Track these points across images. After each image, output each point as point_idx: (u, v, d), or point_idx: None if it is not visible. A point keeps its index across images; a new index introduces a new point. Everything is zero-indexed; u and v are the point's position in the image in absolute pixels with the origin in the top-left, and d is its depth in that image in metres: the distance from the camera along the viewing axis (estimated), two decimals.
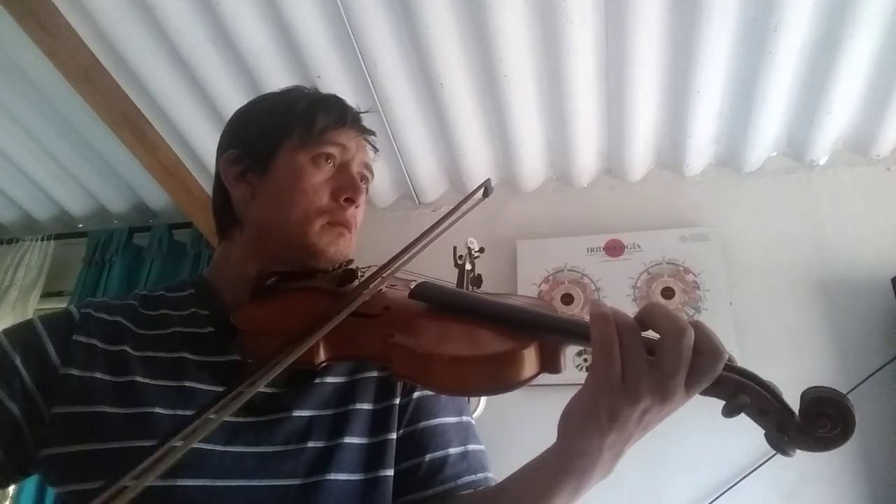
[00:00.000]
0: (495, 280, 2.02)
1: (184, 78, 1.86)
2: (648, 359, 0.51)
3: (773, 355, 1.76)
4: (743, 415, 0.52)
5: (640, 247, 1.99)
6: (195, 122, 2.01)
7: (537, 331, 0.58)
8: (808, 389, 0.51)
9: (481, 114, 1.94)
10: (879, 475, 1.59)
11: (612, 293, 1.94)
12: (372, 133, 0.87)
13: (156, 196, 2.45)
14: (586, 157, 2.07)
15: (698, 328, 0.51)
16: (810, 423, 0.50)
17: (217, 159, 0.84)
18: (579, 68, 1.73)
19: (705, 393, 0.53)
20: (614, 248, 2.01)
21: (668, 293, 1.89)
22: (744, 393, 0.51)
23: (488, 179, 0.85)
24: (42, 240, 2.62)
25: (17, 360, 0.66)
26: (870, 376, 1.66)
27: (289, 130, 0.79)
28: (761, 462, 1.63)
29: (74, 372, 0.66)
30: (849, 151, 1.96)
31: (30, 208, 2.67)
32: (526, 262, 2.07)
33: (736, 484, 1.65)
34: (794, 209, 1.95)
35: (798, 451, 0.51)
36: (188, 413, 0.59)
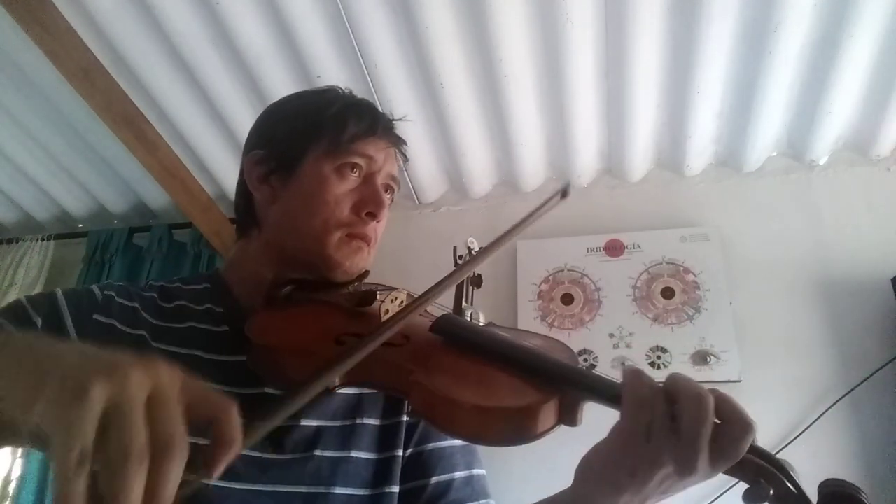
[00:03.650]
0: (495, 280, 2.02)
1: (184, 78, 1.86)
2: (672, 425, 0.50)
3: (772, 355, 1.74)
4: None
5: (640, 247, 1.99)
6: (195, 122, 2.01)
7: (563, 385, 0.57)
8: (826, 482, 0.51)
9: (481, 114, 1.94)
10: (879, 475, 1.59)
11: (612, 293, 1.93)
12: (403, 143, 0.85)
13: (156, 196, 2.45)
14: (586, 157, 2.07)
15: (722, 396, 0.50)
16: None
17: (243, 157, 0.83)
18: (579, 68, 1.72)
19: (728, 472, 0.52)
20: (614, 248, 2.01)
21: (668, 293, 1.89)
22: (766, 481, 0.51)
23: (568, 183, 0.82)
24: (42, 240, 2.62)
25: (39, 323, 0.65)
26: (870, 376, 1.66)
27: (317, 136, 0.77)
28: None
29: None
30: (849, 151, 1.96)
31: (30, 208, 2.66)
32: (526, 262, 2.07)
33: (736, 484, 1.64)
34: (794, 209, 1.95)
35: None
36: None
